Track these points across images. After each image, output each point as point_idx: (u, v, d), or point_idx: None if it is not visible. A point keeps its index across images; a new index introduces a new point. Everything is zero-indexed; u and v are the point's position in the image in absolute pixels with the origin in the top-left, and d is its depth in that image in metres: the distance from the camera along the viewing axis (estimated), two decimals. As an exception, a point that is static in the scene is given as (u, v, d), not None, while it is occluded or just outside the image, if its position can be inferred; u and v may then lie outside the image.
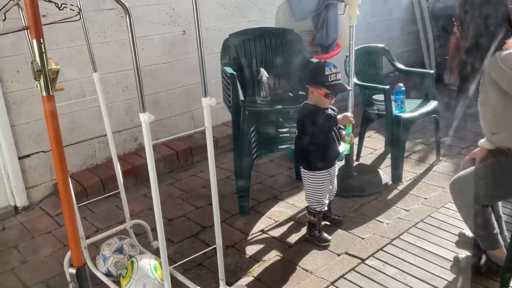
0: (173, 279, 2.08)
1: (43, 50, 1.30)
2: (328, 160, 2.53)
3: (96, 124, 3.34)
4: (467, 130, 3.93)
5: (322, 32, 3.50)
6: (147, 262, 2.14)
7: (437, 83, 3.74)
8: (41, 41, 1.29)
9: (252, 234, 2.73)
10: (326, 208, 2.62)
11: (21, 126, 3.02)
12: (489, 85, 2.01)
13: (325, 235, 2.60)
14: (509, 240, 2.01)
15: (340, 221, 2.76)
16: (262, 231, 2.75)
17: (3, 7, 1.45)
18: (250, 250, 2.57)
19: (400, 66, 3.77)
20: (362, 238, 2.60)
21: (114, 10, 3.31)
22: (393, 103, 3.24)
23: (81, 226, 2.18)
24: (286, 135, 2.93)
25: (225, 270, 2.00)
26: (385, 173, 3.33)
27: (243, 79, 3.12)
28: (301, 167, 2.58)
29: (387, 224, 2.74)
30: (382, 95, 3.25)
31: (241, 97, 3.01)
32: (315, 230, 2.60)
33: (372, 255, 2.41)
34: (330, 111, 2.49)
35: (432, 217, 2.74)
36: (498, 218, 2.26)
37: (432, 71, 3.64)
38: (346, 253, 2.46)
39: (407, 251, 2.44)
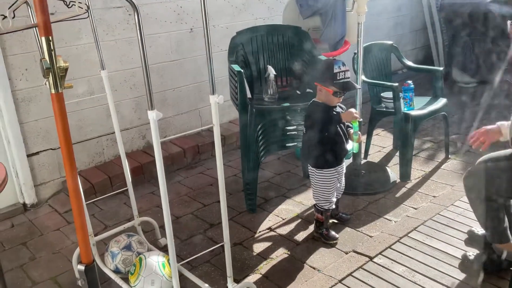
0: (181, 276, 2.09)
1: (52, 48, 1.30)
2: (336, 158, 2.51)
3: (104, 122, 3.35)
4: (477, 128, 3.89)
5: (330, 29, 3.48)
6: (155, 259, 2.15)
7: (446, 81, 3.71)
8: (50, 38, 1.29)
9: (260, 231, 2.73)
10: (334, 206, 2.61)
11: (29, 124, 3.04)
12: None
13: (333, 233, 2.59)
14: None
15: (348, 219, 2.75)
16: (270, 229, 2.75)
17: (12, 5, 1.46)
18: (258, 247, 2.57)
19: (409, 63, 3.75)
20: (370, 236, 2.59)
21: (122, 8, 3.31)
22: (401, 100, 3.22)
23: (89, 223, 2.19)
24: (293, 133, 2.92)
25: (233, 267, 2.00)
26: (393, 171, 3.32)
27: (251, 77, 3.12)
28: (309, 165, 2.57)
29: (395, 222, 2.72)
30: (391, 93, 3.24)
31: (249, 95, 3.00)
32: (322, 228, 2.59)
33: (380, 253, 2.40)
34: (338, 109, 2.48)
35: (441, 215, 2.72)
36: (509, 213, 2.23)
37: (441, 68, 3.62)
38: (354, 251, 2.45)
39: (415, 249, 2.43)
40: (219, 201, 1.91)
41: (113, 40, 3.32)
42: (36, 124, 3.06)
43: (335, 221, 2.75)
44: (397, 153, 3.49)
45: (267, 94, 2.99)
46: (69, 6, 1.66)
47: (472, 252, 2.28)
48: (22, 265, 2.53)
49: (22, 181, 3.05)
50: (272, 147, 2.96)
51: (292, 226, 2.77)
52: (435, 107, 3.33)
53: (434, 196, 2.99)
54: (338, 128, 2.46)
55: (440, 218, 2.68)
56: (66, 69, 1.34)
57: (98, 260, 2.30)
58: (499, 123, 2.03)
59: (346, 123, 2.49)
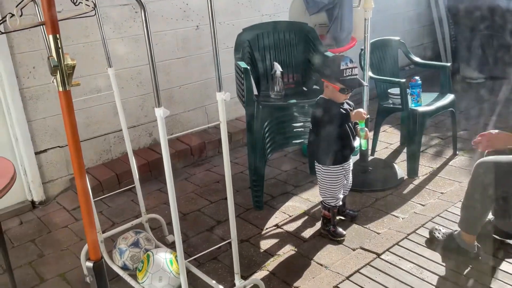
0: (188, 273, 2.09)
1: (60, 46, 1.30)
2: (343, 155, 2.51)
3: (111, 119, 3.37)
4: (485, 124, 3.86)
5: (337, 25, 3.47)
6: (163, 256, 2.16)
7: (453, 76, 3.68)
8: (57, 36, 1.29)
9: (267, 228, 2.73)
10: (340, 203, 2.61)
11: (37, 122, 3.05)
12: None
13: (340, 230, 2.58)
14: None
15: (355, 216, 2.75)
16: (277, 226, 2.75)
17: (19, 3, 1.46)
18: (265, 244, 2.58)
19: (416, 59, 3.72)
20: (378, 233, 2.59)
21: (128, 5, 3.32)
22: (409, 96, 3.20)
23: (97, 220, 2.20)
24: (300, 129, 2.91)
25: (240, 264, 2.01)
26: (400, 168, 3.30)
27: (257, 74, 3.11)
28: (315, 161, 2.57)
29: (402, 218, 2.71)
30: (398, 89, 3.22)
31: (255, 92, 3.00)
32: (329, 224, 2.58)
33: (387, 249, 2.40)
34: (346, 106, 2.47)
35: (449, 211, 2.70)
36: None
37: (448, 64, 3.59)
38: (361, 248, 2.45)
39: (423, 245, 2.42)
40: (226, 198, 1.91)
41: (120, 37, 3.32)
42: (44, 122, 3.08)
43: (342, 218, 2.74)
44: (405, 150, 3.47)
45: (274, 91, 2.98)
46: (76, 4, 1.67)
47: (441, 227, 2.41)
48: (30, 262, 2.54)
49: (30, 178, 3.07)
50: (278, 144, 2.96)
51: (299, 223, 2.77)
52: (443, 103, 3.31)
53: (442, 193, 2.98)
54: (345, 125, 2.45)
55: (448, 214, 2.67)
56: (73, 67, 1.34)
57: (106, 257, 2.31)
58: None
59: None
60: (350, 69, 2.34)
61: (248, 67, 2.76)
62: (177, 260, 1.98)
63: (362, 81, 2.48)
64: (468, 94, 4.77)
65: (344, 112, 2.43)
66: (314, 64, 3.15)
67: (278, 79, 2.97)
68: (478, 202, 2.17)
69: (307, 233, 2.66)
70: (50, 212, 3.05)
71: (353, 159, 2.86)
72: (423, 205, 2.84)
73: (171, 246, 2.53)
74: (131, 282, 2.16)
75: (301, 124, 2.89)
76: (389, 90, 3.43)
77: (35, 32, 2.87)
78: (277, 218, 2.83)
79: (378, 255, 2.36)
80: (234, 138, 3.87)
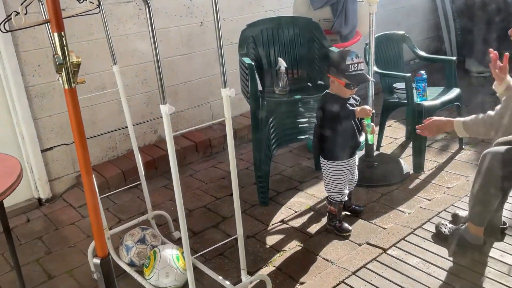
0: (195, 269, 2.10)
1: (65, 44, 1.30)
2: (348, 150, 2.50)
3: (117, 116, 3.37)
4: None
5: (341, 20, 3.45)
6: (169, 252, 2.17)
7: (459, 70, 3.66)
8: (62, 34, 1.30)
9: (272, 224, 2.73)
10: (346, 198, 2.60)
11: (43, 120, 3.07)
12: None
13: (346, 225, 2.58)
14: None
15: (361, 211, 2.74)
16: (282, 222, 2.75)
17: (24, 1, 1.46)
18: (271, 240, 2.58)
19: (421, 53, 3.70)
20: (384, 228, 2.58)
21: (132, 2, 3.32)
22: (414, 91, 3.19)
23: (104, 217, 2.21)
24: (305, 125, 2.91)
25: (246, 260, 2.01)
26: (406, 163, 3.29)
27: (261, 70, 3.10)
28: (321, 157, 2.56)
29: (408, 213, 2.71)
30: (403, 83, 3.20)
31: (260, 88, 2.99)
32: (335, 220, 2.58)
33: (394, 245, 2.39)
34: (352, 101, 2.46)
35: (455, 206, 2.69)
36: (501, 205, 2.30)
37: (454, 58, 3.56)
38: (368, 243, 2.44)
39: (429, 240, 2.41)
40: (231, 194, 1.91)
41: (124, 34, 3.32)
42: (50, 119, 3.09)
43: (348, 213, 2.74)
44: (410, 144, 3.46)
45: (278, 87, 2.98)
46: (81, 1, 1.67)
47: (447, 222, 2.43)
48: (38, 259, 2.56)
49: (36, 176, 3.08)
50: (283, 139, 2.96)
51: (304, 218, 2.77)
52: (449, 97, 3.29)
53: (448, 187, 2.97)
54: (351, 120, 2.44)
55: (454, 209, 2.65)
56: (78, 65, 1.34)
57: (113, 254, 2.32)
58: (455, 119, 2.10)
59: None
60: (356, 64, 2.33)
61: (253, 63, 2.76)
62: (183, 256, 1.99)
63: (368, 76, 2.47)
64: (474, 88, 4.74)
65: (350, 108, 2.42)
66: (319, 60, 3.14)
67: (282, 75, 2.96)
68: (486, 193, 2.16)
69: (313, 228, 2.66)
70: (57, 210, 3.07)
71: (359, 154, 2.86)
72: (429, 200, 2.84)
73: (177, 242, 2.54)
74: (138, 278, 2.17)
75: (306, 119, 2.89)
76: (394, 85, 3.41)
77: (39, 30, 2.88)
78: (282, 214, 2.83)
79: (385, 250, 2.36)
80: (239, 134, 3.87)
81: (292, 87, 3.03)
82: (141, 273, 2.20)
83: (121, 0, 3.27)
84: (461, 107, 3.40)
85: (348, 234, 2.55)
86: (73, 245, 2.67)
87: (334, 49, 3.02)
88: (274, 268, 2.34)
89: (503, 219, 2.39)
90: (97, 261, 1.53)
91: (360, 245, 2.46)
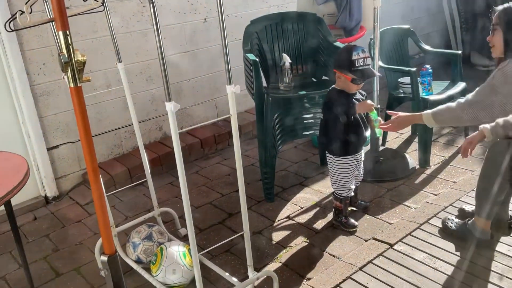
0: (202, 265, 2.09)
1: (70, 42, 1.31)
2: (354, 145, 2.49)
3: (122, 114, 3.38)
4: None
5: (345, 15, 3.43)
6: (176, 249, 2.18)
7: (464, 64, 3.64)
8: (67, 32, 1.30)
9: (278, 220, 2.73)
10: (352, 194, 2.60)
11: (48, 118, 3.08)
12: None
13: (352, 220, 2.58)
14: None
15: (367, 207, 2.74)
16: (288, 218, 2.75)
17: (28, 0, 1.47)
18: (277, 236, 2.58)
19: (426, 47, 3.68)
20: (390, 223, 2.58)
21: (136, 0, 3.32)
22: (420, 85, 3.17)
23: (110, 214, 2.21)
24: (310, 121, 2.90)
25: (253, 256, 2.01)
26: (412, 157, 3.28)
27: (266, 66, 3.10)
28: (327, 152, 2.56)
29: (415, 208, 2.70)
30: (408, 78, 3.19)
31: (264, 84, 2.99)
32: (341, 216, 2.58)
33: (400, 240, 2.39)
34: (358, 96, 2.45)
35: (462, 200, 2.68)
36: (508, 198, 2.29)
37: (459, 52, 3.54)
38: (374, 239, 2.44)
39: (436, 235, 2.41)
40: (237, 191, 1.91)
41: (128, 32, 3.32)
42: (55, 118, 3.10)
43: (354, 208, 2.73)
44: (416, 139, 3.45)
45: (283, 83, 2.97)
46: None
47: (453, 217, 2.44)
48: (45, 256, 2.58)
49: (43, 174, 3.10)
50: (289, 135, 2.95)
51: (310, 214, 2.77)
52: (454, 92, 3.27)
53: (454, 182, 2.95)
54: (357, 116, 2.43)
55: (460, 204, 2.65)
56: (84, 63, 1.35)
57: (120, 251, 2.33)
58: (481, 126, 2.08)
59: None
60: (362, 59, 2.32)
61: (257, 59, 2.75)
62: (190, 253, 1.99)
63: (374, 71, 2.46)
64: (480, 81, 4.69)
65: (357, 101, 2.41)
66: (323, 55, 3.12)
67: (287, 71, 2.95)
68: (492, 185, 2.15)
69: (319, 224, 2.66)
70: (64, 207, 3.09)
71: (365, 149, 2.85)
72: (435, 195, 2.83)
73: (184, 239, 2.55)
74: (145, 275, 2.17)
75: (311, 115, 2.88)
76: (399, 80, 3.40)
77: (44, 28, 2.88)
78: (288, 210, 2.83)
79: (391, 245, 2.36)
80: (244, 131, 3.87)
81: (297, 83, 3.03)
82: (148, 270, 2.21)
83: (125, -2, 3.27)
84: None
85: (354, 229, 2.54)
86: (80, 243, 2.68)
87: (338, 44, 3.01)
88: (280, 264, 2.35)
89: (510, 213, 2.38)
90: (104, 258, 1.54)
91: (366, 240, 2.45)
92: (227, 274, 2.07)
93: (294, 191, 3.04)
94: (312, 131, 2.92)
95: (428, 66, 3.23)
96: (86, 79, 1.40)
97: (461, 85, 3.34)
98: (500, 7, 2.12)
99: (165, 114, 1.58)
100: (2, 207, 1.91)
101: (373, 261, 2.25)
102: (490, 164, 2.18)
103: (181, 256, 2.15)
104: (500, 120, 2.14)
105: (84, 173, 3.29)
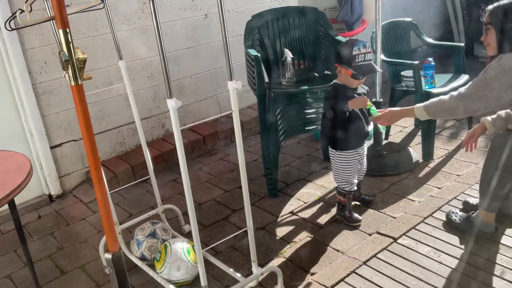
0: (206, 262, 2.10)
1: (70, 40, 1.30)
2: (356, 139, 2.49)
3: (124, 111, 3.38)
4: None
5: (347, 9, 3.42)
6: (180, 246, 2.18)
7: (467, 57, 3.62)
8: (68, 31, 1.30)
9: (282, 216, 2.73)
10: (355, 188, 2.59)
11: (51, 116, 3.08)
12: None
13: (356, 215, 2.57)
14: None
15: (371, 201, 2.73)
16: (292, 213, 2.75)
17: (28, -1, 1.46)
18: (281, 231, 2.58)
19: (429, 40, 3.66)
20: (394, 217, 2.57)
21: (136, -4, 3.31)
22: (422, 78, 3.16)
23: (114, 212, 2.22)
24: (312, 115, 2.90)
25: (257, 252, 2.02)
26: (415, 151, 3.27)
27: (267, 61, 3.09)
28: (329, 147, 2.55)
29: (419, 202, 2.69)
30: (411, 71, 3.17)
31: (266, 79, 2.98)
32: (345, 210, 2.57)
33: (404, 234, 2.39)
34: (360, 90, 2.44)
35: (466, 193, 2.68)
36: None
37: (462, 44, 3.53)
38: (378, 233, 2.44)
39: (440, 229, 2.40)
40: (240, 187, 1.91)
41: (129, 29, 3.32)
42: (58, 116, 3.11)
43: (358, 203, 2.73)
44: (419, 133, 3.43)
45: (285, 78, 2.96)
46: (85, -3, 1.66)
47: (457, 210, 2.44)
48: (50, 255, 2.59)
49: (46, 173, 3.11)
50: (291, 131, 2.95)
51: (314, 209, 2.76)
52: (457, 84, 3.25)
53: (458, 175, 2.95)
54: (357, 110, 2.42)
55: (464, 197, 2.64)
56: (84, 61, 1.35)
57: (124, 248, 2.33)
58: (482, 118, 2.10)
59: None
60: (363, 54, 2.29)
61: (259, 55, 2.74)
62: (194, 250, 2.00)
63: (376, 66, 2.44)
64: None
65: (358, 96, 2.40)
66: (325, 49, 3.11)
67: (289, 66, 2.94)
68: (496, 177, 2.15)
69: (323, 219, 2.65)
70: (67, 205, 3.09)
71: (367, 143, 2.84)
72: (439, 188, 2.82)
73: (188, 235, 2.55)
74: (150, 272, 2.18)
75: (314, 110, 2.87)
76: (402, 73, 3.38)
77: (44, 27, 2.88)
78: (292, 205, 2.83)
79: (395, 239, 2.35)
80: (247, 127, 3.87)
81: (299, 78, 3.02)
82: (152, 267, 2.21)
83: (125, -5, 3.26)
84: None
85: (358, 224, 2.54)
86: (85, 241, 2.69)
87: (340, 38, 3.00)
88: (284, 259, 2.35)
89: None
90: (108, 256, 1.54)
91: (370, 234, 2.45)
92: (231, 270, 2.07)
93: (297, 186, 3.04)
94: (315, 126, 2.92)
95: (430, 59, 3.21)
96: (87, 77, 1.39)
97: (464, 78, 3.32)
98: (490, 6, 2.11)
99: (167, 111, 1.57)
100: (6, 206, 1.92)
101: (377, 255, 2.25)
102: (492, 156, 2.17)
103: (185, 253, 2.15)
104: (502, 112, 2.13)
105: (87, 171, 3.29)
